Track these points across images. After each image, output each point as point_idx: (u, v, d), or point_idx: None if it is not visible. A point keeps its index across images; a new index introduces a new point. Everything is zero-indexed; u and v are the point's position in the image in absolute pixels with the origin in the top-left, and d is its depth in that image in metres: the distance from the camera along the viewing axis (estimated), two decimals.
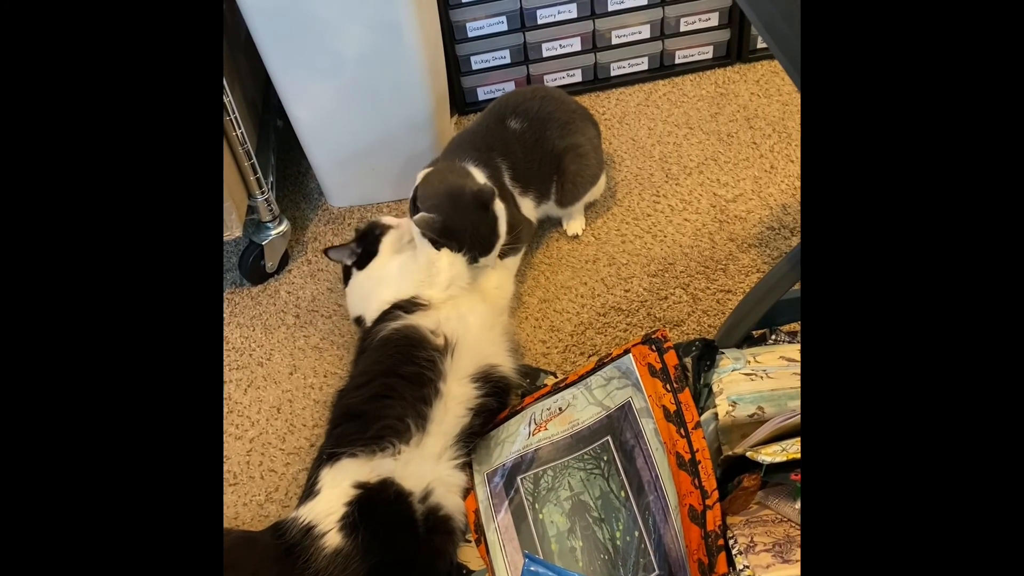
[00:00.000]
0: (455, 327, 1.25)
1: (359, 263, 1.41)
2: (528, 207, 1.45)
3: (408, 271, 1.32)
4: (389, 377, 1.19)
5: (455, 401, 1.20)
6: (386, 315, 1.28)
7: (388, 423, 1.15)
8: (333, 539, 1.08)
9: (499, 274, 1.41)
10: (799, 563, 0.88)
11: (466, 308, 1.29)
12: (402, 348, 1.22)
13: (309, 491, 1.15)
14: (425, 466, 1.16)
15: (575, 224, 1.56)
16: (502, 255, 1.39)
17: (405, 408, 1.16)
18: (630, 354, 1.15)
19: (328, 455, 1.16)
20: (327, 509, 1.10)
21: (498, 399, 1.26)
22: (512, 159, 1.40)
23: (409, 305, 1.28)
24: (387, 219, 1.44)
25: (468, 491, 1.19)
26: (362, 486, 1.12)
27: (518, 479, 1.15)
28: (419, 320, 1.25)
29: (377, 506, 1.11)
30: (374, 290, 1.35)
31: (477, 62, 1.76)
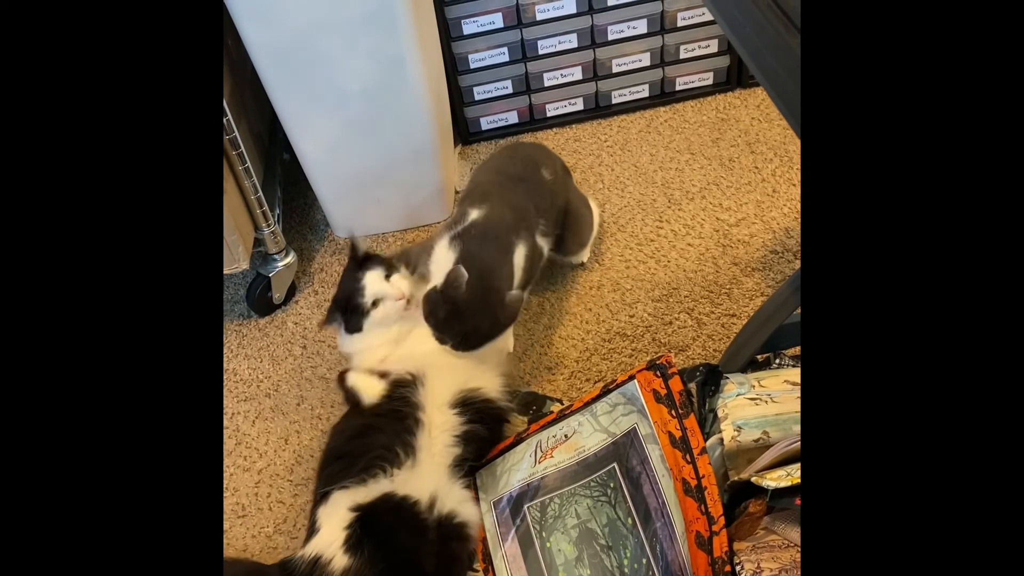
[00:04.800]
0: (414, 364, 1.24)
1: (348, 329, 1.34)
2: (545, 251, 1.43)
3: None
4: (366, 418, 1.20)
5: (439, 430, 1.20)
6: None
7: (377, 453, 1.15)
8: (340, 561, 1.08)
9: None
10: None
11: (411, 340, 1.29)
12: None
13: (310, 532, 1.16)
14: (424, 480, 1.16)
15: (584, 253, 1.56)
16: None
17: (391, 438, 1.16)
18: (635, 380, 1.16)
19: (320, 495, 1.16)
20: (329, 539, 1.11)
21: (487, 426, 1.23)
22: (546, 211, 1.36)
23: None
24: (374, 285, 1.30)
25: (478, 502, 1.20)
26: (359, 508, 1.12)
27: (525, 507, 1.15)
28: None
29: (380, 517, 1.11)
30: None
31: (480, 92, 1.78)
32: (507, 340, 1.44)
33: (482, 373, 1.27)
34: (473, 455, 1.22)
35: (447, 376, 1.24)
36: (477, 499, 1.21)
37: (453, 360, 1.25)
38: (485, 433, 1.24)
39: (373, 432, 1.18)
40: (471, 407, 1.23)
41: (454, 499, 1.17)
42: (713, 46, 1.79)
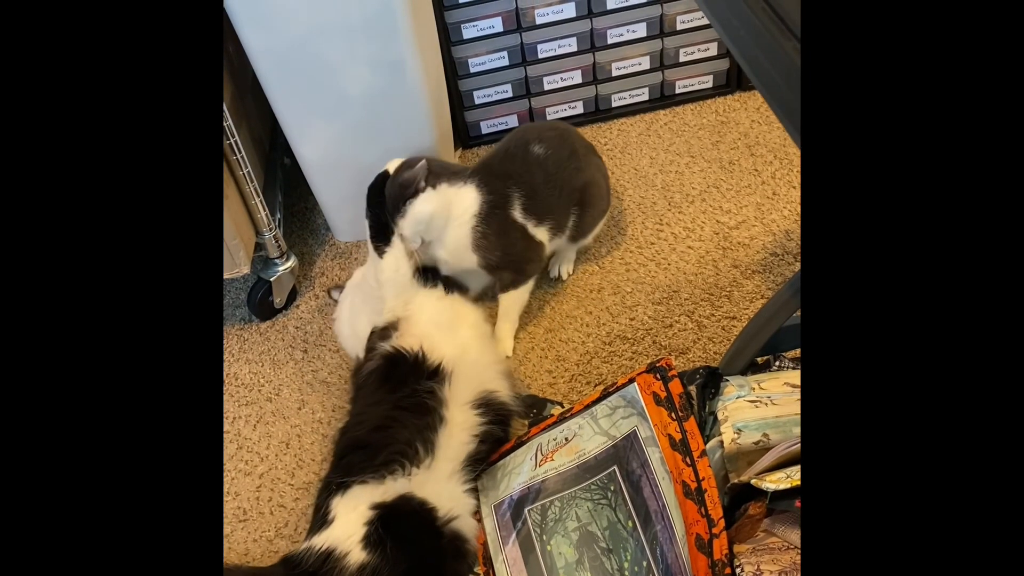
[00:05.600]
0: (451, 354, 1.27)
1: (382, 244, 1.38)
2: (543, 239, 1.43)
3: (368, 296, 1.38)
4: (392, 410, 1.20)
5: (459, 428, 1.21)
6: (371, 349, 1.31)
7: (397, 448, 1.16)
8: (357, 556, 1.08)
9: (501, 323, 1.44)
10: None
11: (464, 336, 1.32)
12: (398, 381, 1.23)
13: (321, 521, 1.15)
14: (439, 486, 1.17)
15: (565, 267, 1.56)
16: (503, 288, 1.41)
17: (412, 434, 1.17)
18: (635, 383, 1.16)
19: (337, 485, 1.16)
20: (345, 533, 1.11)
21: (501, 427, 1.27)
22: (531, 187, 1.38)
23: (387, 331, 1.31)
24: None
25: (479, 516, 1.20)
26: (379, 506, 1.12)
27: (525, 510, 1.15)
28: (401, 343, 1.28)
29: (401, 518, 1.12)
30: (353, 324, 1.40)
31: (480, 97, 1.78)
32: (506, 343, 1.45)
33: (496, 376, 1.31)
34: (486, 454, 1.24)
35: (470, 375, 1.26)
36: (478, 509, 1.21)
37: (475, 360, 1.30)
38: (501, 434, 1.27)
39: (396, 426, 1.18)
40: (491, 408, 1.25)
41: (461, 509, 1.18)
42: (712, 49, 1.79)
